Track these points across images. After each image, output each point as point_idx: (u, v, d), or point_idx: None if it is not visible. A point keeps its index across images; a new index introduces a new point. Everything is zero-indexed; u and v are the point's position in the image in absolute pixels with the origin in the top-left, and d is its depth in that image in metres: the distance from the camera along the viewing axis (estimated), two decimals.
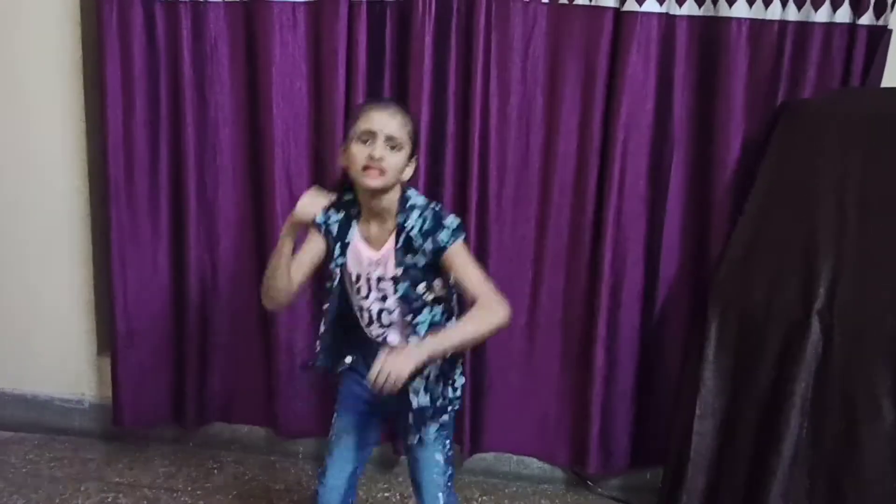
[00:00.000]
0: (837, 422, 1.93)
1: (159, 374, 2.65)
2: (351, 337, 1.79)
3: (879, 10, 2.16)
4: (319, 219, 1.72)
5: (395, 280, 1.67)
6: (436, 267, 1.66)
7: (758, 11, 2.21)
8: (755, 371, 2.03)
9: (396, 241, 1.66)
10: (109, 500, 2.44)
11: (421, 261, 1.65)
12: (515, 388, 2.53)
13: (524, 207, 2.42)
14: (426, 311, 1.69)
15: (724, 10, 2.22)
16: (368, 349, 1.73)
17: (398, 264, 1.66)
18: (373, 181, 1.60)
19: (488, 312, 1.61)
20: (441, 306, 1.71)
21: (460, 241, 1.65)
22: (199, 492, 2.51)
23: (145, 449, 2.75)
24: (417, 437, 1.72)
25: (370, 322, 1.73)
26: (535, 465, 2.63)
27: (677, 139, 2.33)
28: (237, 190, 2.54)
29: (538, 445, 2.57)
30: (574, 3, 2.26)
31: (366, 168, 1.59)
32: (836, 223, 2.00)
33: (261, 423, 2.72)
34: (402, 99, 2.36)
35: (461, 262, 1.66)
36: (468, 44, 2.30)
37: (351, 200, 1.72)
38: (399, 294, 1.67)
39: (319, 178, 2.47)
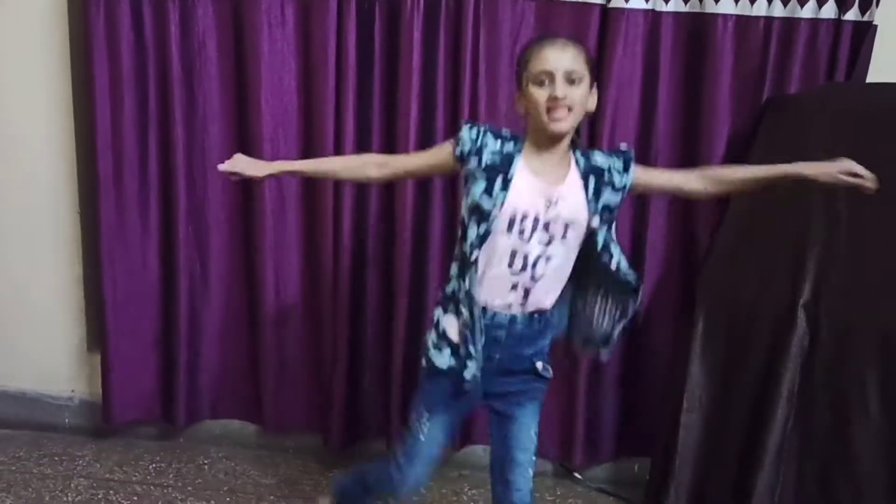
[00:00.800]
0: (825, 415, 1.96)
1: (149, 371, 2.65)
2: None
3: (864, 6, 2.18)
4: (465, 139, 1.59)
5: (593, 230, 1.57)
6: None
7: (744, 7, 2.23)
8: (743, 365, 2.05)
9: (586, 187, 1.57)
10: (99, 496, 2.44)
11: (613, 200, 1.60)
12: None
13: None
14: (614, 247, 1.62)
15: (710, 7, 2.23)
16: (482, 334, 1.60)
17: (593, 212, 1.57)
18: (560, 124, 1.52)
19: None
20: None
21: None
22: (189, 487, 2.51)
23: (135, 445, 2.75)
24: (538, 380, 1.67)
25: (522, 269, 1.57)
26: None
27: (664, 134, 2.35)
28: (226, 187, 2.54)
29: None
30: None
31: (549, 110, 1.52)
32: (823, 218, 2.02)
33: (250, 419, 2.73)
34: (391, 95, 2.37)
35: (652, 171, 1.69)
36: (457, 40, 2.31)
37: (509, 135, 1.61)
38: (601, 244, 1.59)
39: None
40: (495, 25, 2.31)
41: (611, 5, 2.23)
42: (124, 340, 2.61)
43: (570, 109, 1.52)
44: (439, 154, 1.67)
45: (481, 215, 1.55)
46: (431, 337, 1.66)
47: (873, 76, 2.22)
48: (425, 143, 2.36)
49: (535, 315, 1.63)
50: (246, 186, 2.52)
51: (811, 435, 1.97)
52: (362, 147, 2.39)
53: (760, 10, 2.22)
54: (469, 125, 1.61)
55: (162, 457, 2.69)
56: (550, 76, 1.51)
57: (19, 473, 2.55)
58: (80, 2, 2.42)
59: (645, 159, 2.32)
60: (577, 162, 1.60)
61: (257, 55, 2.38)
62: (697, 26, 2.27)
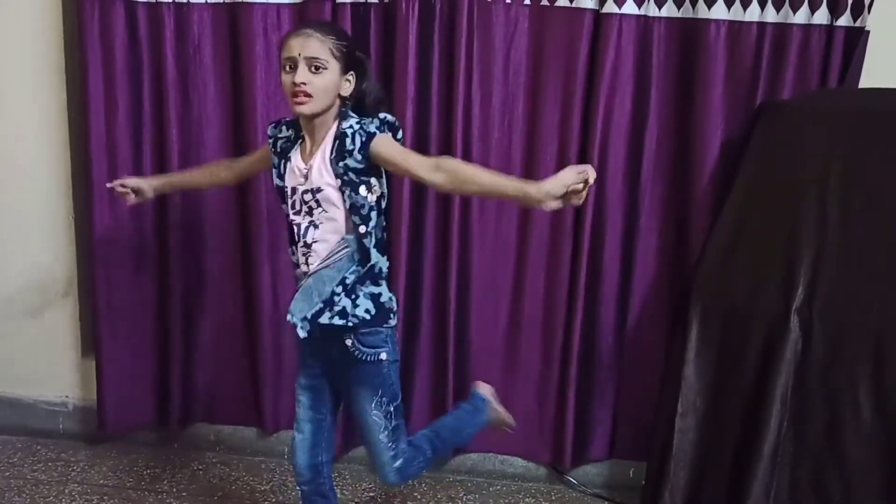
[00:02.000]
0: (819, 419, 1.96)
1: (144, 376, 2.65)
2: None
3: (857, 12, 2.18)
4: (270, 138, 1.83)
5: (340, 189, 1.68)
6: (370, 170, 1.69)
7: (736, 13, 2.23)
8: (737, 368, 2.05)
9: (331, 151, 1.69)
10: (94, 502, 2.43)
11: (354, 164, 1.67)
12: (498, 387, 2.52)
13: (507, 206, 2.43)
14: (374, 215, 1.71)
15: (702, 12, 2.24)
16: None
17: (335, 175, 1.68)
18: (300, 107, 1.65)
19: (462, 162, 1.75)
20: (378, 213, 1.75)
21: (389, 134, 1.70)
22: (184, 493, 2.51)
23: (130, 451, 2.74)
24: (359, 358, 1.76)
25: (297, 238, 1.76)
26: (518, 463, 2.65)
27: (656, 139, 2.35)
28: (221, 190, 2.54)
29: (521, 444, 2.59)
30: (555, 4, 2.28)
31: (293, 95, 1.64)
32: (816, 222, 2.03)
33: (246, 423, 2.72)
34: (388, 100, 2.37)
35: (395, 148, 1.69)
36: (451, 45, 2.31)
37: (300, 123, 1.78)
38: (349, 204, 1.69)
39: None
40: (489, 30, 2.31)
41: (604, 10, 2.24)
42: (119, 346, 2.60)
43: (308, 96, 1.64)
44: (265, 149, 1.89)
45: (281, 195, 1.80)
46: None
47: (865, 81, 2.23)
48: (420, 146, 2.36)
49: (330, 264, 1.75)
50: (240, 189, 2.52)
51: (805, 438, 1.97)
52: None
53: (753, 15, 2.23)
54: (271, 123, 1.86)
55: (156, 462, 2.68)
56: (294, 62, 1.65)
57: (13, 479, 2.55)
58: (74, 6, 2.42)
59: (637, 164, 2.35)
60: (338, 127, 1.71)
61: (253, 60, 2.39)
62: (690, 31, 2.27)
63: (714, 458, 2.11)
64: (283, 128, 1.82)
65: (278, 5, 2.37)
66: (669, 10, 2.27)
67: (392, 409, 1.82)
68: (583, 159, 2.33)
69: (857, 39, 2.20)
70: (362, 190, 1.69)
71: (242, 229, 2.55)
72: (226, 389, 2.68)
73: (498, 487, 2.63)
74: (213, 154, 2.50)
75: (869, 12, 2.18)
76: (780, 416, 1.97)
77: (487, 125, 2.37)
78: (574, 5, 2.26)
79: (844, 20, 2.19)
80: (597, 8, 2.26)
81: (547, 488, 2.63)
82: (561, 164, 2.35)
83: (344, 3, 2.31)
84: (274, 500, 2.50)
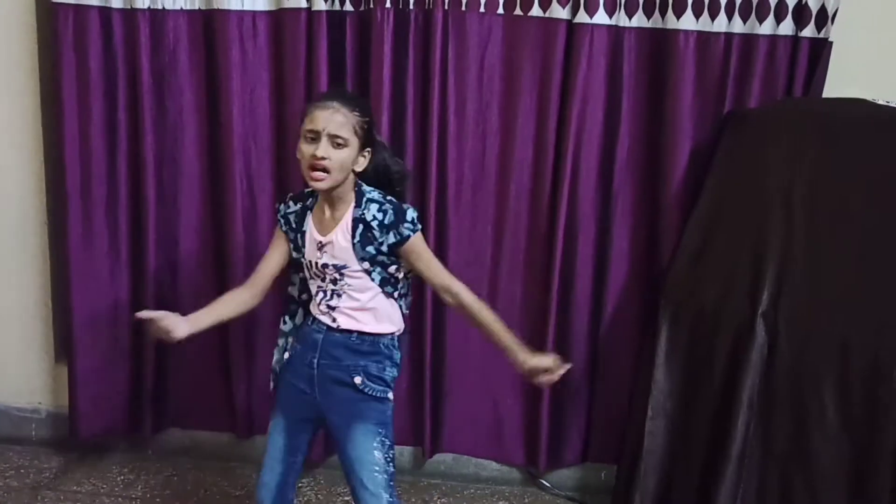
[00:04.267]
0: (785, 422, 1.99)
1: (117, 382, 2.64)
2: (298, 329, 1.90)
3: (820, 23, 2.24)
4: (281, 219, 1.82)
5: (367, 271, 1.73)
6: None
7: (705, 24, 2.28)
8: (705, 372, 2.08)
9: (353, 235, 1.71)
10: None
11: (380, 254, 1.73)
12: (473, 391, 2.56)
13: (481, 213, 2.46)
14: (403, 282, 1.81)
15: (671, 23, 2.28)
16: (306, 339, 1.83)
17: (360, 259, 1.72)
18: (317, 183, 1.67)
19: (473, 297, 1.79)
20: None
21: (419, 232, 1.74)
22: (158, 499, 2.51)
23: (103, 457, 2.73)
24: (355, 424, 1.76)
25: (320, 302, 1.79)
26: (492, 466, 2.67)
27: (628, 147, 2.39)
28: (197, 197, 2.55)
29: (495, 447, 2.61)
30: (528, 14, 2.31)
31: (311, 168, 1.65)
32: (782, 228, 2.07)
33: (220, 429, 2.72)
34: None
35: (423, 252, 1.77)
36: (426, 53, 2.34)
37: (310, 192, 1.79)
38: (378, 281, 1.74)
39: (281, 184, 2.49)
40: (463, 39, 2.34)
41: (576, 20, 2.28)
42: (92, 352, 2.59)
43: (326, 171, 1.65)
44: (278, 238, 1.86)
45: (298, 266, 1.84)
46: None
47: (829, 91, 2.28)
48: (395, 153, 2.36)
49: (356, 333, 1.78)
50: (217, 197, 2.53)
51: (771, 441, 2.00)
52: None
53: (721, 26, 2.27)
54: (277, 202, 1.87)
55: (130, 469, 2.68)
56: (316, 135, 1.65)
57: None
58: (48, 12, 2.42)
59: (608, 172, 2.39)
60: (356, 207, 1.74)
61: (229, 67, 2.40)
62: (660, 41, 2.31)
63: (683, 460, 2.13)
64: (291, 203, 1.82)
65: (254, 13, 2.39)
66: (640, 21, 2.31)
67: (391, 454, 1.79)
68: (556, 167, 2.37)
69: (821, 50, 2.25)
70: (391, 269, 1.76)
71: (217, 235, 2.55)
72: (200, 395, 2.68)
73: (472, 491, 2.65)
74: (188, 160, 2.51)
75: (832, 24, 2.23)
76: (746, 419, 2.00)
77: (462, 133, 2.40)
78: (547, 15, 2.30)
79: (809, 31, 2.24)
80: (569, 18, 2.29)
81: (520, 491, 2.65)
82: (534, 172, 2.40)
83: (320, 11, 2.33)
84: None
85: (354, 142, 1.68)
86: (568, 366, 1.73)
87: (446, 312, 2.48)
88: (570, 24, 2.29)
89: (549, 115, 2.35)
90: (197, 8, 2.41)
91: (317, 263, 1.76)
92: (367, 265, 1.73)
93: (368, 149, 1.74)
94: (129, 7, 2.39)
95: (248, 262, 2.51)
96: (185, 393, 2.69)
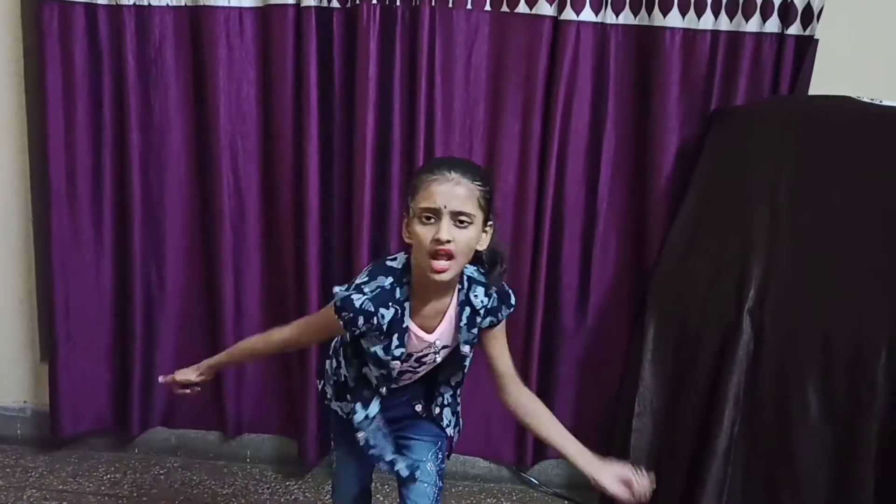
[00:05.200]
0: (770, 418, 2.00)
1: (102, 381, 2.64)
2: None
3: (806, 21, 2.24)
4: (360, 324, 1.47)
5: (464, 356, 1.61)
6: None
7: (691, 21, 2.28)
8: (692, 369, 2.09)
9: (459, 318, 1.55)
10: None
11: (477, 334, 1.60)
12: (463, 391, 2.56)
13: None
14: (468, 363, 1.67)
15: (658, 20, 2.28)
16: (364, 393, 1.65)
17: (464, 342, 1.57)
18: (441, 275, 1.41)
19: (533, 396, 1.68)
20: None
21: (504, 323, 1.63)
22: (144, 498, 2.50)
23: (89, 456, 2.72)
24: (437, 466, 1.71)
25: (393, 381, 1.61)
26: (481, 464, 2.67)
27: (614, 144, 2.39)
28: (183, 195, 2.54)
29: (484, 445, 2.62)
30: (514, 11, 2.31)
31: (433, 256, 1.40)
32: (768, 225, 2.07)
33: (208, 427, 2.71)
34: (350, 104, 2.38)
35: (503, 338, 1.64)
36: (413, 50, 2.33)
37: (393, 281, 1.49)
38: (467, 368, 1.66)
39: (268, 180, 2.49)
40: (450, 36, 2.33)
41: (562, 17, 2.28)
42: (77, 350, 2.59)
43: (450, 257, 1.40)
44: (330, 325, 1.54)
45: (378, 362, 1.55)
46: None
47: (815, 88, 2.29)
48: (382, 151, 2.38)
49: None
50: (203, 194, 2.52)
51: (756, 437, 2.01)
52: (323, 154, 2.41)
53: (707, 23, 2.28)
54: (346, 306, 1.45)
55: (117, 467, 2.66)
56: (437, 214, 1.39)
57: None
58: (33, 7, 2.40)
59: (595, 169, 2.39)
60: (460, 290, 1.55)
61: (215, 63, 2.39)
62: (646, 39, 2.31)
63: (670, 456, 2.14)
64: (382, 312, 1.46)
65: (241, 9, 2.38)
66: (626, 18, 2.32)
67: (442, 468, 1.72)
68: (543, 164, 2.37)
69: (806, 48, 2.26)
70: (467, 349, 1.61)
71: (205, 232, 2.55)
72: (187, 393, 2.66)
73: (460, 488, 2.65)
74: (175, 158, 2.50)
75: (818, 21, 2.24)
76: (732, 416, 2.01)
77: (448, 130, 2.40)
78: (533, 12, 2.30)
79: (795, 29, 2.25)
80: (555, 15, 2.29)
81: (509, 489, 2.66)
82: (521, 170, 2.40)
83: (308, 7, 2.32)
84: (236, 503, 2.50)
85: (479, 217, 1.43)
86: (651, 482, 1.53)
87: None
88: (557, 21, 2.29)
89: (536, 112, 2.35)
90: (183, 4, 2.40)
91: (411, 355, 1.56)
92: (467, 349, 1.58)
93: (490, 223, 1.49)
94: (114, 3, 2.38)
95: (235, 260, 2.51)
96: (172, 391, 2.66)
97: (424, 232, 1.40)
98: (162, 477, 2.63)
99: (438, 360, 1.62)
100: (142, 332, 2.59)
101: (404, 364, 1.57)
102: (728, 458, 2.03)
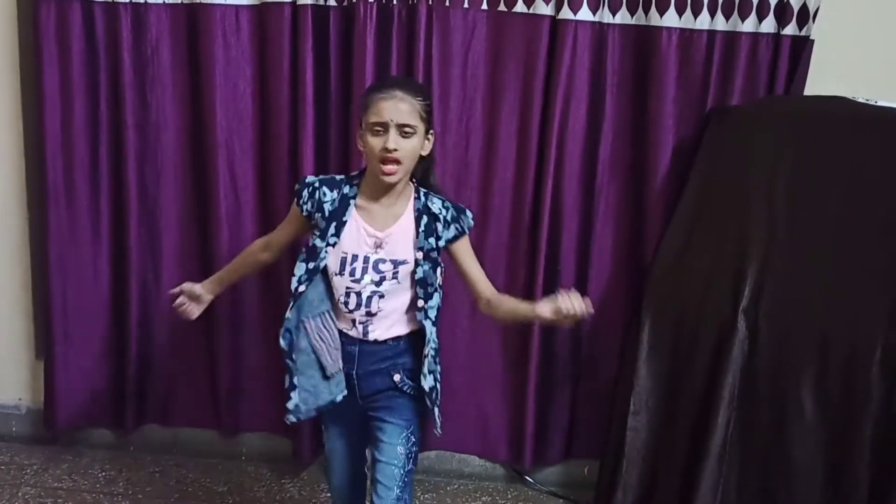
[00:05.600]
0: (765, 417, 2.01)
1: (98, 378, 2.63)
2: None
3: (802, 21, 2.25)
4: (305, 198, 1.71)
5: (417, 263, 1.69)
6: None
7: (687, 21, 2.28)
8: (688, 369, 2.10)
9: (417, 225, 1.69)
10: None
11: (436, 245, 1.71)
12: (459, 388, 2.56)
13: None
14: (436, 295, 1.74)
15: (655, 20, 2.29)
16: (342, 353, 1.74)
17: (418, 248, 1.69)
18: (390, 177, 1.62)
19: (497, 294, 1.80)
20: (441, 292, 1.76)
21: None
22: (139, 496, 2.49)
23: (85, 454, 2.71)
24: (439, 423, 1.78)
25: (356, 307, 1.69)
26: (476, 462, 2.67)
27: (611, 144, 2.39)
28: (180, 192, 2.53)
29: (479, 443, 2.62)
30: (512, 10, 2.31)
31: (382, 161, 1.61)
32: (764, 225, 2.09)
33: (203, 426, 2.71)
34: (346, 102, 2.38)
35: (471, 250, 1.79)
36: (409, 49, 2.33)
37: (345, 178, 1.74)
38: (419, 276, 1.69)
39: (264, 178, 2.49)
40: (447, 35, 2.34)
41: (560, 17, 2.28)
42: (73, 347, 2.59)
43: (398, 163, 1.62)
44: (295, 217, 1.78)
45: (313, 254, 1.69)
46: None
47: (810, 88, 2.30)
48: None
49: (389, 341, 1.74)
50: (200, 191, 2.51)
51: (751, 436, 2.02)
52: (318, 152, 2.41)
53: (704, 23, 2.28)
54: (302, 185, 1.73)
55: (112, 465, 2.66)
56: (385, 127, 1.61)
57: None
58: (30, 5, 2.40)
59: (592, 168, 2.39)
60: (416, 199, 1.72)
61: (212, 61, 2.38)
62: (643, 39, 2.32)
63: (665, 456, 2.15)
64: (325, 189, 1.70)
65: (237, 7, 2.37)
66: (623, 18, 2.32)
67: (413, 451, 1.77)
68: (540, 163, 2.38)
69: (802, 48, 2.27)
70: (438, 271, 1.73)
71: (201, 231, 2.54)
72: (183, 391, 2.67)
73: (455, 486, 2.65)
74: (171, 155, 2.50)
75: (814, 22, 2.25)
76: (727, 415, 2.02)
77: (445, 129, 2.39)
78: (531, 11, 2.30)
79: (791, 29, 2.26)
80: (553, 14, 2.30)
81: (504, 487, 2.66)
82: (518, 169, 2.40)
83: (305, 5, 2.32)
84: (231, 501, 2.50)
85: (421, 128, 1.65)
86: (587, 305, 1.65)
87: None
88: (554, 21, 2.30)
89: (533, 111, 2.35)
90: (179, 2, 2.40)
91: (367, 258, 1.68)
92: (420, 255, 1.69)
93: (431, 131, 1.71)
94: (110, 0, 2.37)
95: (231, 258, 2.48)
96: (168, 389, 2.68)
97: (375, 142, 1.62)
98: (157, 475, 2.63)
99: (399, 280, 1.69)
100: (137, 329, 2.59)
101: (359, 271, 1.67)
102: (723, 457, 2.04)
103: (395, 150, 1.60)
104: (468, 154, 2.42)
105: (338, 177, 1.74)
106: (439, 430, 1.79)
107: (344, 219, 1.68)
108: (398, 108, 1.61)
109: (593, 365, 2.54)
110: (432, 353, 1.73)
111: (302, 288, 1.70)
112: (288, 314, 1.72)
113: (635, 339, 2.16)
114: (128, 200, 2.49)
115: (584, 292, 2.43)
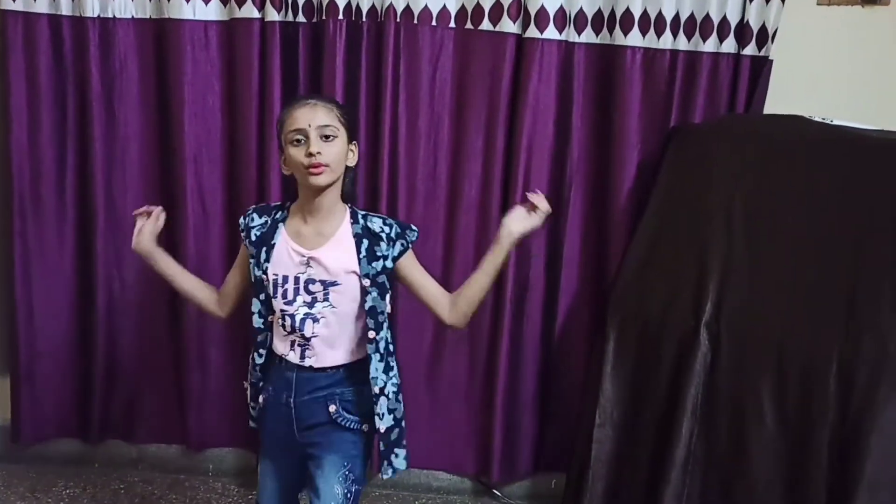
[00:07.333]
0: (726, 428, 2.03)
1: (62, 394, 2.61)
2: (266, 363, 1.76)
3: (761, 42, 2.31)
4: (242, 227, 1.71)
5: (365, 291, 1.64)
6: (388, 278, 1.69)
7: (651, 41, 2.34)
8: (651, 380, 2.12)
9: (358, 251, 1.64)
10: None
11: (383, 266, 1.66)
12: (424, 404, 2.57)
13: (433, 225, 2.48)
14: (385, 326, 1.69)
15: (619, 39, 2.34)
16: (279, 378, 1.71)
17: (364, 275, 1.63)
18: (319, 178, 1.58)
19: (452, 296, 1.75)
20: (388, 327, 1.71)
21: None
22: None
23: (48, 471, 2.68)
24: (390, 469, 1.71)
25: (291, 330, 1.66)
26: (444, 476, 2.68)
27: (576, 159, 2.43)
28: (147, 203, 2.51)
29: (446, 458, 2.63)
30: (479, 28, 2.35)
31: (308, 168, 1.57)
32: (723, 240, 2.12)
33: (169, 441, 2.69)
34: None
35: (418, 264, 1.74)
36: (378, 65, 2.36)
37: (279, 205, 1.72)
38: (368, 305, 1.64)
39: (232, 192, 2.49)
40: (415, 52, 2.37)
41: (526, 35, 2.32)
42: (38, 360, 2.56)
43: (325, 166, 1.58)
44: (242, 252, 1.78)
45: (259, 285, 1.69)
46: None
47: (769, 107, 2.36)
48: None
49: (328, 370, 1.68)
50: (167, 206, 2.48)
51: (713, 447, 2.05)
52: None
53: (666, 43, 2.34)
54: (243, 216, 1.73)
55: (76, 482, 2.63)
56: (304, 134, 1.59)
57: None
58: None
59: (560, 184, 2.43)
60: (353, 221, 1.67)
61: (180, 76, 2.39)
62: (608, 57, 2.37)
63: (630, 467, 2.17)
64: (255, 216, 1.71)
65: (205, 22, 2.39)
66: (588, 37, 2.37)
67: (353, 489, 1.69)
68: (507, 179, 2.41)
69: (761, 67, 2.33)
70: (387, 298, 1.69)
71: (168, 242, 2.51)
72: (149, 405, 2.65)
73: (423, 501, 2.65)
74: (138, 169, 2.51)
75: (772, 42, 2.31)
76: (690, 426, 2.05)
77: (413, 145, 2.42)
78: (497, 29, 2.34)
79: (750, 49, 2.32)
80: (519, 32, 2.33)
81: (472, 501, 2.67)
82: (485, 184, 2.43)
83: (273, 22, 2.34)
84: None
85: (343, 133, 1.63)
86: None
87: (396, 321, 2.49)
88: (521, 39, 2.34)
89: (500, 129, 2.38)
90: (148, 16, 2.41)
91: (297, 279, 1.64)
92: (367, 282, 1.63)
93: (355, 141, 1.69)
94: (78, 15, 2.37)
95: (199, 273, 2.46)
96: (133, 404, 2.65)
97: (297, 153, 1.59)
98: (122, 491, 2.60)
99: (332, 303, 1.64)
100: (104, 345, 2.57)
101: (291, 293, 1.64)
102: (686, 467, 2.06)
103: (319, 153, 1.57)
104: (436, 171, 2.45)
105: (274, 204, 1.74)
106: (384, 475, 1.71)
107: (273, 241, 1.66)
108: (315, 112, 1.60)
109: (560, 378, 2.56)
110: (393, 389, 1.70)
111: (258, 322, 1.71)
112: (257, 358, 1.75)
113: (600, 351, 2.19)
114: (94, 213, 2.48)
115: (551, 305, 2.50)
